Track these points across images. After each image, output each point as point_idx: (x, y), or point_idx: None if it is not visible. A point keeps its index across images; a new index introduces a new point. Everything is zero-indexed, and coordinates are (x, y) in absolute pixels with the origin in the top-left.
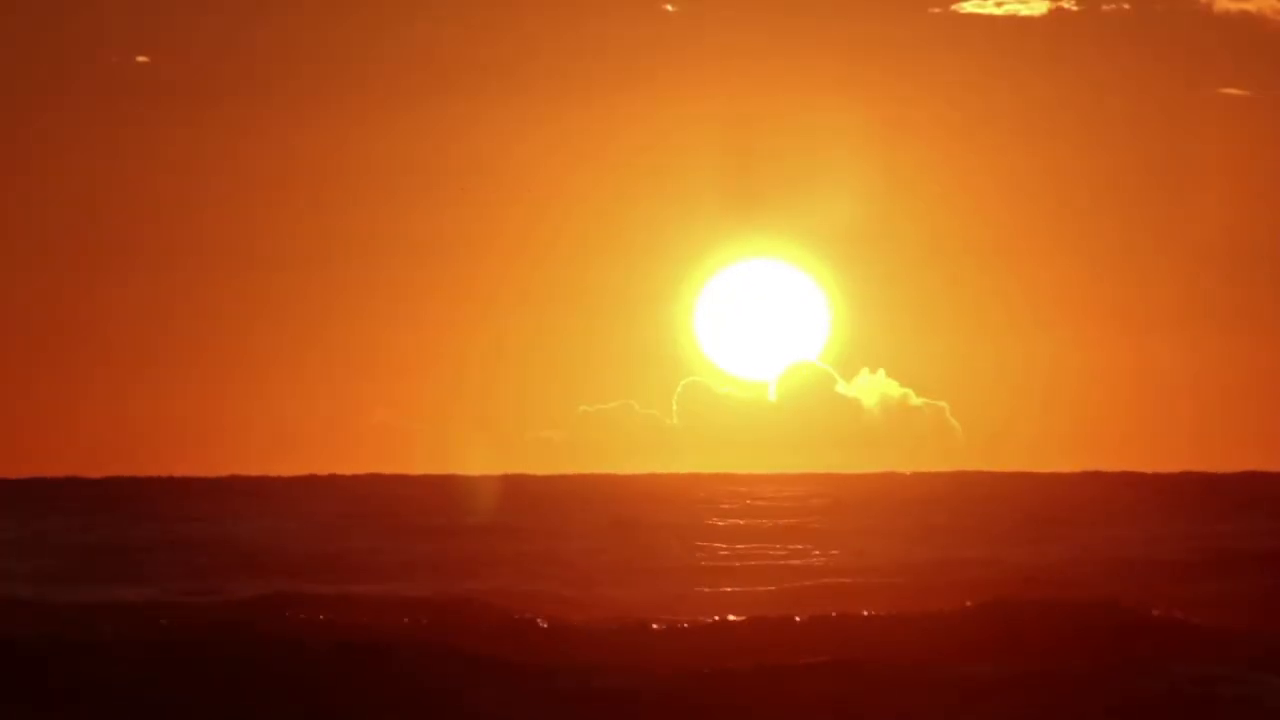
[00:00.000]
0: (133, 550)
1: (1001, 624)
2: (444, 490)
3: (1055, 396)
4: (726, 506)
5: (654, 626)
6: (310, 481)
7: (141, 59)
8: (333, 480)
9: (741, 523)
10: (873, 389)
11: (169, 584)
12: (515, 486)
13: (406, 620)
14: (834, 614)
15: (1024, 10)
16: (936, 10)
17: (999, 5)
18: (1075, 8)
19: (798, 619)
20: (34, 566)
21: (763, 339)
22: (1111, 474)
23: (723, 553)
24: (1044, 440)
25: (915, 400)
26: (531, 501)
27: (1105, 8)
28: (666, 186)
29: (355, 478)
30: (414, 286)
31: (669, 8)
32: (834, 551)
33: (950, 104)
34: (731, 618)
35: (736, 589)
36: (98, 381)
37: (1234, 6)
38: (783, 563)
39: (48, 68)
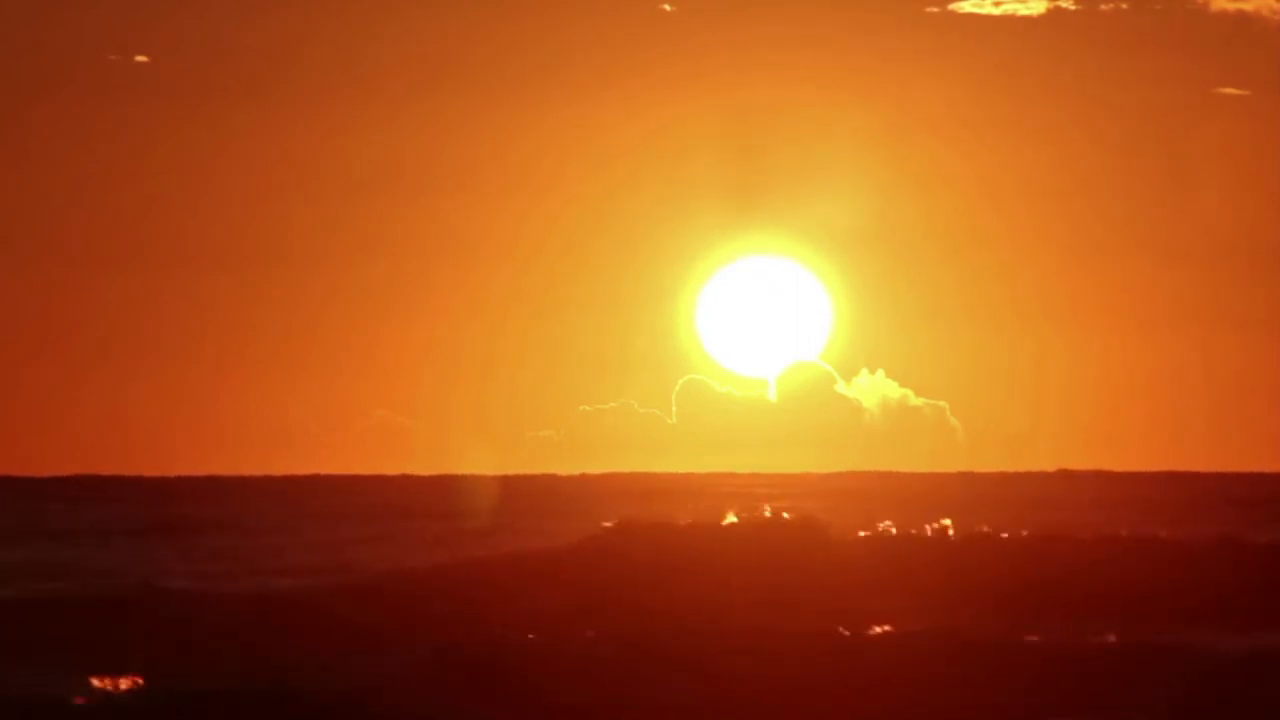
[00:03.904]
0: None
1: None
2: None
3: (1056, 396)
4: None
5: None
6: (310, 481)
7: (141, 59)
8: (332, 480)
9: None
10: (873, 390)
11: None
12: (514, 486)
13: None
14: None
15: (1022, 10)
16: (934, 10)
17: (997, 5)
18: (1073, 7)
19: None
20: None
21: (764, 336)
22: (1114, 473)
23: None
24: (1045, 440)
25: (915, 400)
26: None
27: (1103, 7)
28: (667, 185)
29: (355, 478)
30: (413, 286)
31: (667, 7)
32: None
33: (948, 104)
34: None
35: None
36: (95, 381)
37: (1231, 6)
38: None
39: (48, 67)
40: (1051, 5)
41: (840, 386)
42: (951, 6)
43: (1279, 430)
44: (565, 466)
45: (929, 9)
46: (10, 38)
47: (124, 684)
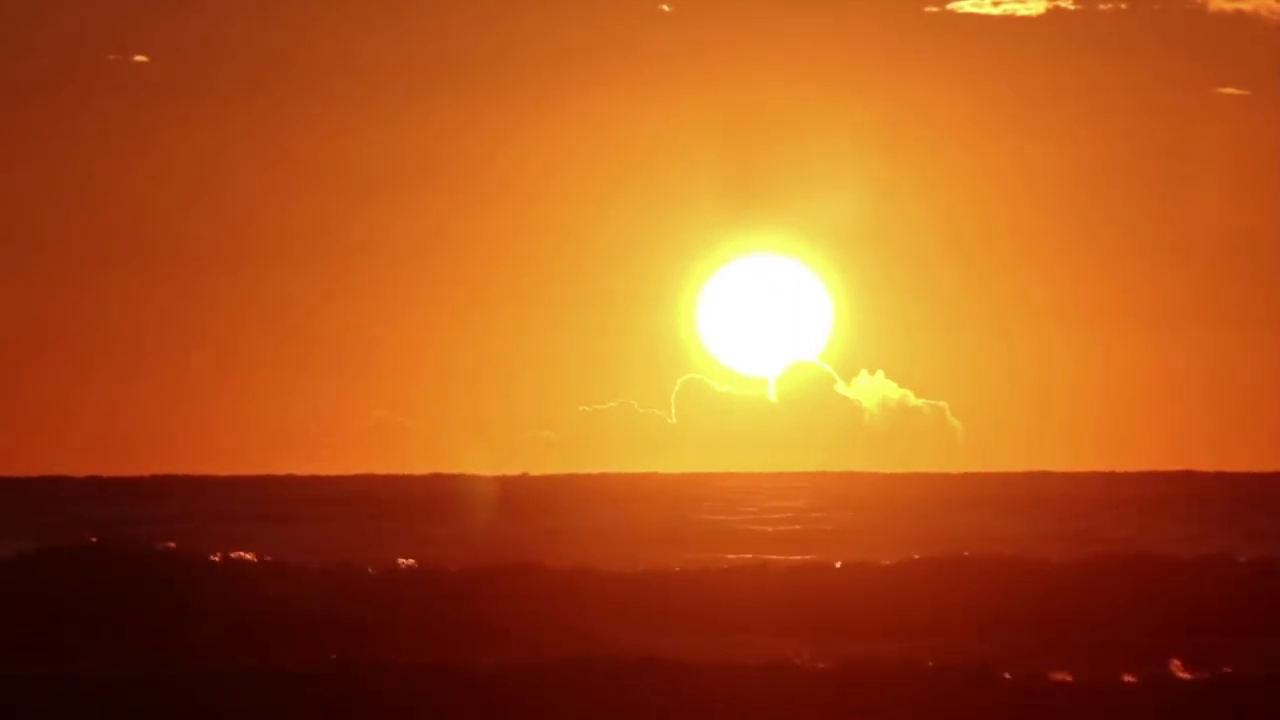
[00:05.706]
0: None
1: None
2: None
3: (1055, 396)
4: None
5: None
6: (310, 481)
7: (141, 59)
8: (332, 481)
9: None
10: (873, 390)
11: None
12: (514, 487)
13: None
14: None
15: (1022, 10)
16: (933, 10)
17: (996, 5)
18: (1073, 7)
19: None
20: None
21: (764, 336)
22: (1113, 474)
23: None
24: (1044, 440)
25: (915, 400)
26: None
27: (1102, 7)
28: (667, 184)
29: (354, 478)
30: (412, 286)
31: (665, 7)
32: None
33: (947, 103)
34: None
35: None
36: (94, 381)
37: (1229, 6)
38: None
39: (48, 67)
40: (1051, 5)
41: (840, 387)
42: (951, 6)
43: (1279, 430)
44: (564, 466)
45: (928, 9)
46: (10, 38)
47: None
